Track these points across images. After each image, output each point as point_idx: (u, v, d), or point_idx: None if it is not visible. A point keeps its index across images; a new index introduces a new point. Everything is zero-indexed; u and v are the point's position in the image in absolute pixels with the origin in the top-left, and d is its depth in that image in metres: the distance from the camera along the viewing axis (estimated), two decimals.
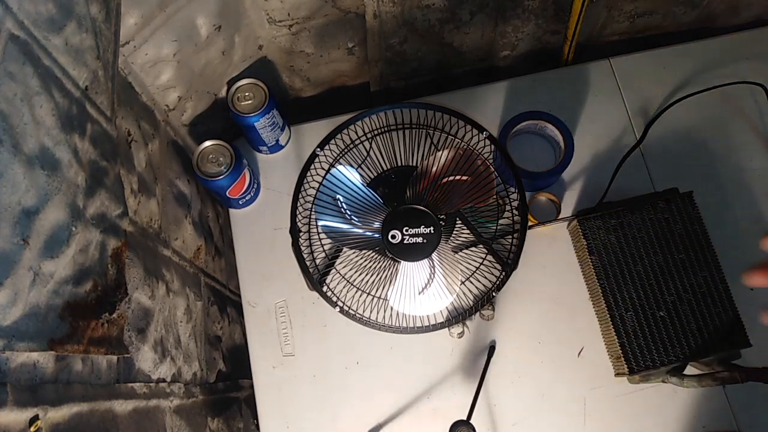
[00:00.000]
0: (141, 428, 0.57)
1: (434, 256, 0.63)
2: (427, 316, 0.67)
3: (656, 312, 0.72)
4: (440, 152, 0.65)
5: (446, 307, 0.66)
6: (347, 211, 0.65)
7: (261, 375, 0.80)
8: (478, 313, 0.77)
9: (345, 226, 0.65)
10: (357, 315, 0.67)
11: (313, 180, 0.68)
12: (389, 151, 0.71)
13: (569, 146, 0.80)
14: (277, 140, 0.85)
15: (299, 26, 0.81)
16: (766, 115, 0.85)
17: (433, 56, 0.92)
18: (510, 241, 0.68)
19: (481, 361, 0.77)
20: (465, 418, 0.66)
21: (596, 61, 0.89)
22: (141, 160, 0.66)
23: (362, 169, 0.70)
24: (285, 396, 0.79)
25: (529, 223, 0.81)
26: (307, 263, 0.67)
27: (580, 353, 0.78)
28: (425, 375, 0.79)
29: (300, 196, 0.68)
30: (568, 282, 0.80)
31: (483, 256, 0.71)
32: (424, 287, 0.65)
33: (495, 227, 0.72)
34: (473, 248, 0.73)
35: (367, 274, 0.68)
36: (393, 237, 0.61)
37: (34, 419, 0.40)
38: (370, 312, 0.68)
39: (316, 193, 0.66)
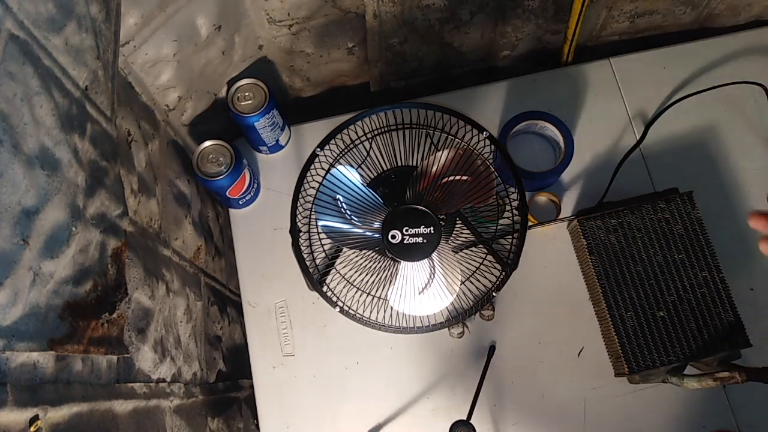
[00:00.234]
0: (141, 428, 0.57)
1: (434, 256, 0.63)
2: (427, 316, 0.67)
3: (656, 312, 0.72)
4: (440, 152, 0.65)
5: (446, 308, 0.66)
6: (347, 211, 0.64)
7: (261, 375, 0.80)
8: (478, 314, 0.77)
9: (345, 226, 0.65)
10: (357, 315, 0.67)
11: (313, 180, 0.67)
12: (389, 151, 0.71)
13: (569, 146, 0.80)
14: (277, 140, 0.85)
15: (299, 26, 0.81)
16: (766, 115, 0.85)
17: (433, 56, 0.92)
18: (510, 241, 0.68)
19: (481, 361, 0.77)
20: (465, 418, 0.66)
21: (596, 61, 0.89)
22: (141, 160, 0.66)
23: (362, 169, 0.70)
24: (285, 396, 0.79)
25: (529, 223, 0.81)
26: (307, 263, 0.67)
27: (580, 353, 0.78)
28: (425, 375, 0.79)
29: (300, 196, 0.68)
30: (568, 282, 0.80)
31: (483, 256, 0.71)
32: (424, 287, 0.64)
33: (495, 227, 0.72)
34: (473, 248, 0.73)
35: (367, 274, 0.68)
36: (393, 237, 0.61)
37: (34, 419, 0.40)
38: (370, 312, 0.68)
39: (316, 193, 0.66)
